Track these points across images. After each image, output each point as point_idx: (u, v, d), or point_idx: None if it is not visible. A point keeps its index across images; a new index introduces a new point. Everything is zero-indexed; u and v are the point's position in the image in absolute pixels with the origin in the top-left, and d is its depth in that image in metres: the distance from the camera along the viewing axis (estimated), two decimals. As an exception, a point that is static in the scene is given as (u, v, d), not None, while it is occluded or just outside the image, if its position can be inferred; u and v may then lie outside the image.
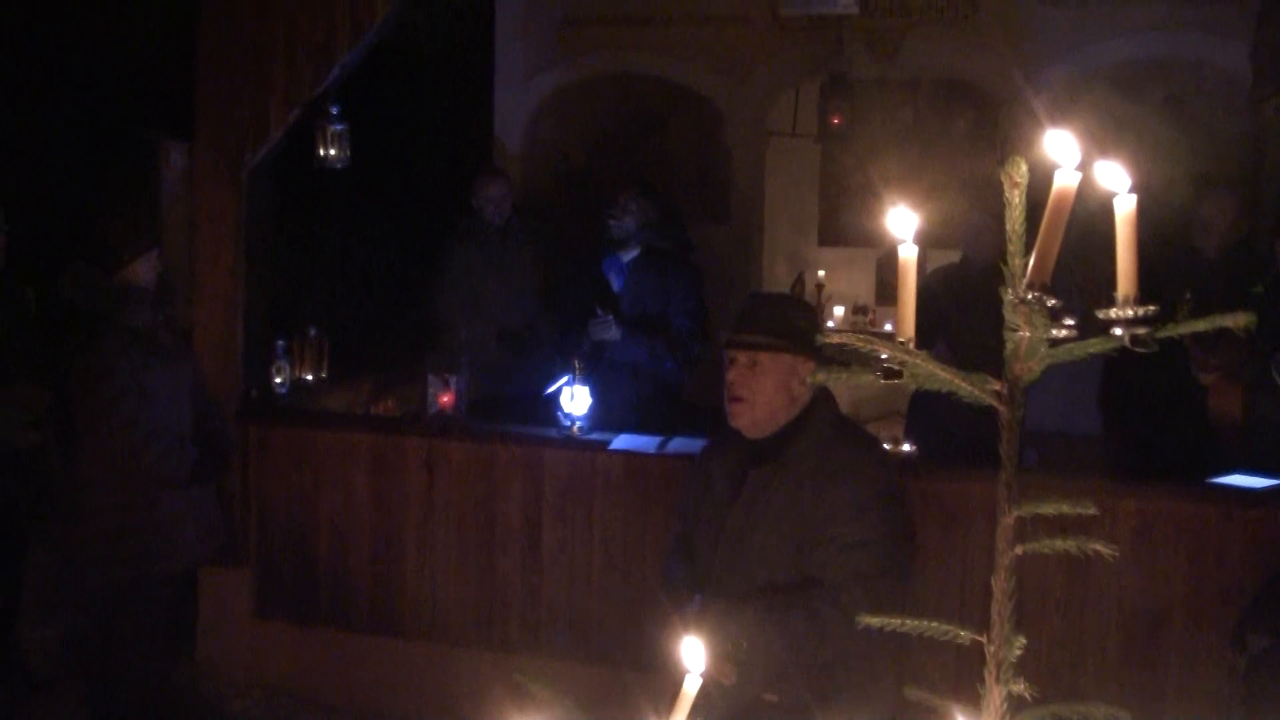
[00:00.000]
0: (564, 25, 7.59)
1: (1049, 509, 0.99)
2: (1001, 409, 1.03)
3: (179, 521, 4.16)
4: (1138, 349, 1.01)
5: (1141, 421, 4.33)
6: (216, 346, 4.72)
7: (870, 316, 8.47)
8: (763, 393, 2.84)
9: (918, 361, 1.01)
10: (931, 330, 4.69)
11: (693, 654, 1.13)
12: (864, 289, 8.68)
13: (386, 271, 6.01)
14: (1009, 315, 0.98)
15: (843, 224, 8.75)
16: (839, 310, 8.02)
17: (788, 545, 2.80)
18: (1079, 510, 0.96)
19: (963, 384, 1.01)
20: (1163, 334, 1.02)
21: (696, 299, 5.23)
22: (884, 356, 1.06)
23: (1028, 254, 0.96)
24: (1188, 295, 3.37)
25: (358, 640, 4.59)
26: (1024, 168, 1.02)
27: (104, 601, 4.26)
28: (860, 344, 1.04)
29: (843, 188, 8.71)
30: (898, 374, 1.05)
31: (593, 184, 7.62)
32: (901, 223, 1.09)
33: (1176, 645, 3.52)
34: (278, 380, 4.93)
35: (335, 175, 5.06)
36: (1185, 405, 4.06)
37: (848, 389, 3.42)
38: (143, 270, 4.03)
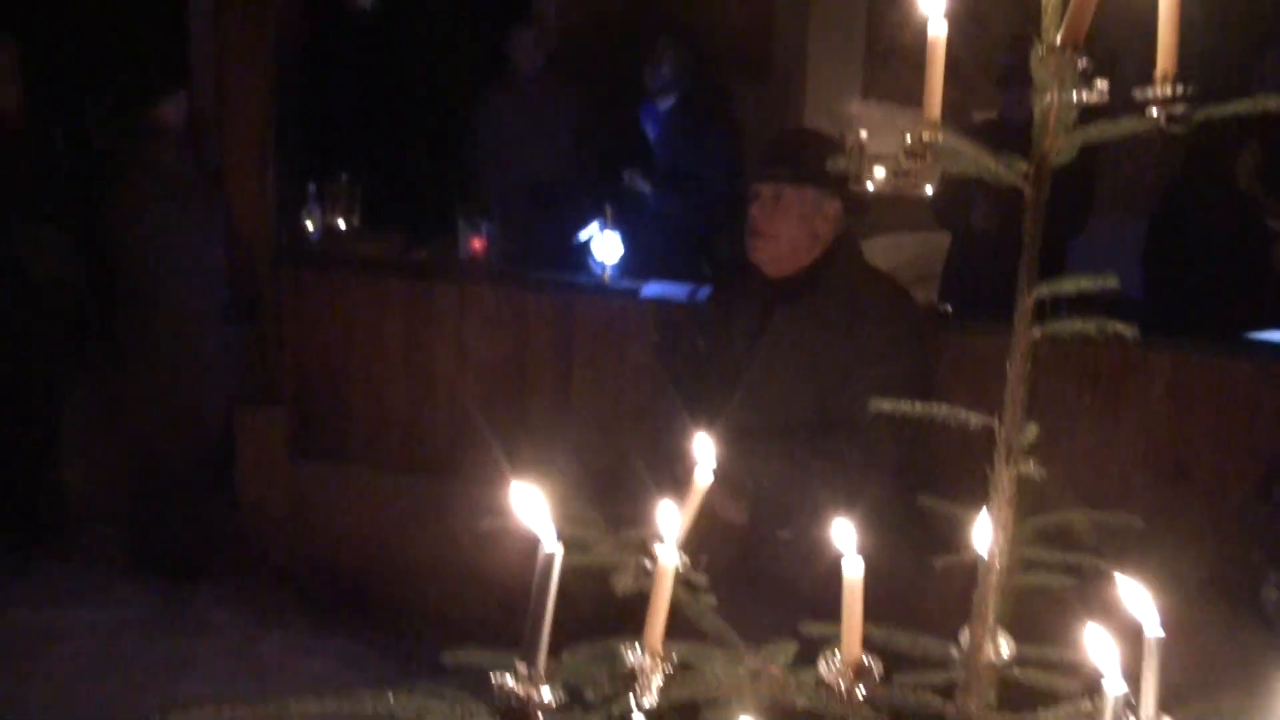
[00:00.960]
0: None
1: (1069, 287, 0.96)
2: (1027, 190, 0.99)
3: (213, 360, 4.24)
4: (1174, 130, 0.96)
5: (1184, 277, 4.24)
6: (246, 190, 4.69)
7: (910, 180, 8.33)
8: (786, 228, 2.79)
9: (943, 140, 0.97)
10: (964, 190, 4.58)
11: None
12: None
13: (419, 120, 5.94)
14: (1037, 74, 0.94)
15: (888, 81, 8.50)
16: (879, 171, 7.85)
17: (811, 386, 2.78)
18: (1101, 285, 0.94)
19: (987, 161, 0.98)
20: (1201, 116, 0.97)
21: (730, 152, 5.15)
22: (907, 137, 1.02)
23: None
24: (1254, 146, 3.24)
25: (391, 480, 4.68)
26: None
27: (142, 440, 4.37)
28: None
29: (890, 44, 8.44)
30: (921, 155, 1.02)
31: (629, 32, 7.41)
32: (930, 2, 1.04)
33: (1201, 496, 3.51)
34: (309, 226, 4.92)
35: (366, 19, 4.95)
36: (1231, 258, 3.96)
37: (880, 259, 3.36)
38: (171, 111, 4.02)
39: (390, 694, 0.85)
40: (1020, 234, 1.16)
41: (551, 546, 0.83)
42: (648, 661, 1.00)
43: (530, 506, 0.86)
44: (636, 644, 1.02)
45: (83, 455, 5.14)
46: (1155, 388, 3.54)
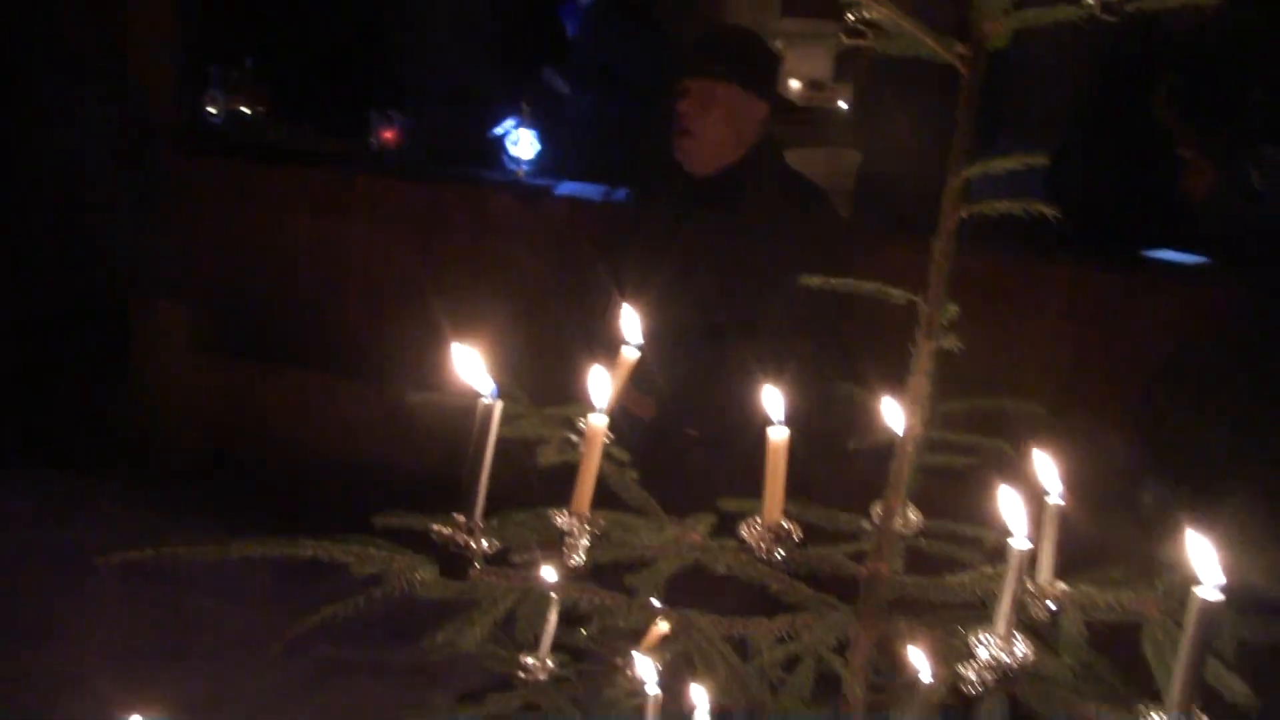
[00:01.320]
0: None
1: (997, 166, 0.99)
2: (964, 71, 1.01)
3: (111, 250, 4.11)
4: (1106, 18, 0.99)
5: (1090, 190, 4.36)
6: (147, 71, 4.51)
7: (828, 93, 8.32)
8: (713, 126, 2.78)
9: (885, 14, 0.98)
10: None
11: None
12: (823, 64, 8.48)
13: (330, 7, 5.75)
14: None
15: (805, -7, 8.46)
16: (794, 84, 7.86)
17: (728, 287, 2.80)
18: (1034, 161, 0.97)
19: (927, 40, 1.00)
20: (1133, 6, 1.00)
21: (651, 51, 5.08)
22: (848, 14, 1.03)
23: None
24: (1171, 76, 3.31)
25: (295, 375, 4.62)
26: None
27: (38, 331, 4.24)
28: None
29: (809, -46, 8.38)
30: (862, 34, 1.03)
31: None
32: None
33: (1092, 401, 3.65)
34: (212, 110, 4.76)
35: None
36: (1138, 176, 4.08)
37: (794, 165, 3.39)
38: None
39: (329, 543, 0.86)
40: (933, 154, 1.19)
41: (491, 399, 0.84)
42: (575, 525, 1.02)
43: (468, 364, 0.87)
44: (564, 509, 1.05)
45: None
46: (1053, 302, 3.66)
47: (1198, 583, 0.79)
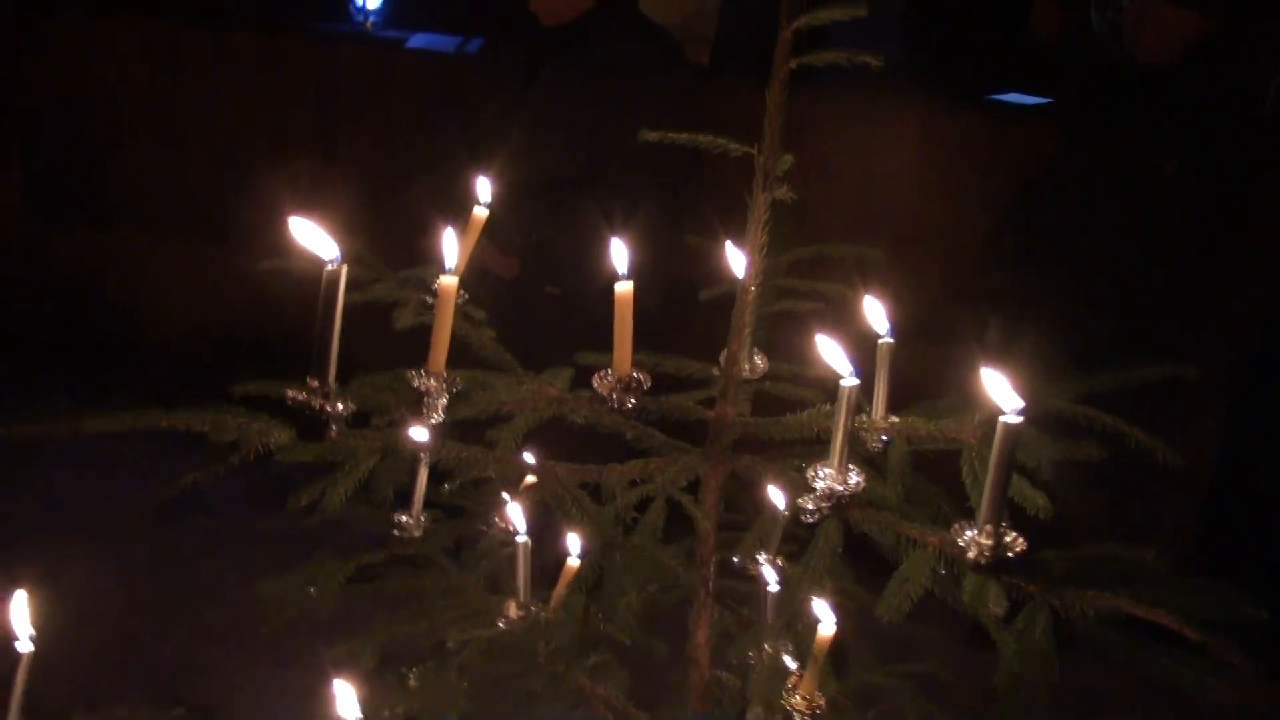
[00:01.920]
0: None
1: (823, 17, 1.01)
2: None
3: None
4: None
5: (938, 30, 4.43)
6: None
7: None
8: None
9: None
10: None
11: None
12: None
13: None
14: None
15: None
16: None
17: (580, 137, 2.78)
18: (854, 13, 0.99)
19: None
20: None
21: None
22: None
23: None
24: None
25: (139, 241, 4.45)
26: None
27: None
28: None
29: None
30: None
31: None
32: None
33: (938, 247, 3.79)
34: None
35: None
36: (988, 16, 4.15)
37: (654, 7, 3.32)
38: None
39: (184, 413, 0.87)
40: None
41: (335, 263, 0.86)
42: (433, 384, 1.05)
43: (309, 230, 0.88)
44: (421, 370, 1.07)
45: None
46: (903, 143, 3.74)
47: (1002, 411, 0.87)
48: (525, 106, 2.83)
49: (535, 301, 2.86)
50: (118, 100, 4.37)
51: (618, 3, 2.82)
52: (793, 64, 1.05)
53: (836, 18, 0.98)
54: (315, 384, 0.88)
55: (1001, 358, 0.94)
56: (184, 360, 4.19)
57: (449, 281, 1.03)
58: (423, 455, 1.10)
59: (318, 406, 0.87)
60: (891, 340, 1.14)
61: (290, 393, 0.88)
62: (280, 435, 0.93)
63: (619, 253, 1.06)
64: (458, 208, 2.40)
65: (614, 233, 1.13)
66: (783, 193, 1.08)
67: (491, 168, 2.83)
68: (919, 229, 3.80)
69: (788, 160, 1.10)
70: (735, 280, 1.28)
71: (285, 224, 0.96)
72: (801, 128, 1.28)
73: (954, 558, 0.93)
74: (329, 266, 0.86)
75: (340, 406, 0.89)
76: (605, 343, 1.21)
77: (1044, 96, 4.01)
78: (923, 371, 1.70)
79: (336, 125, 4.22)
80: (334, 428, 0.89)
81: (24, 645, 0.99)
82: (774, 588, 1.36)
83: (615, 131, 2.71)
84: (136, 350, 4.34)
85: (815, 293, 1.41)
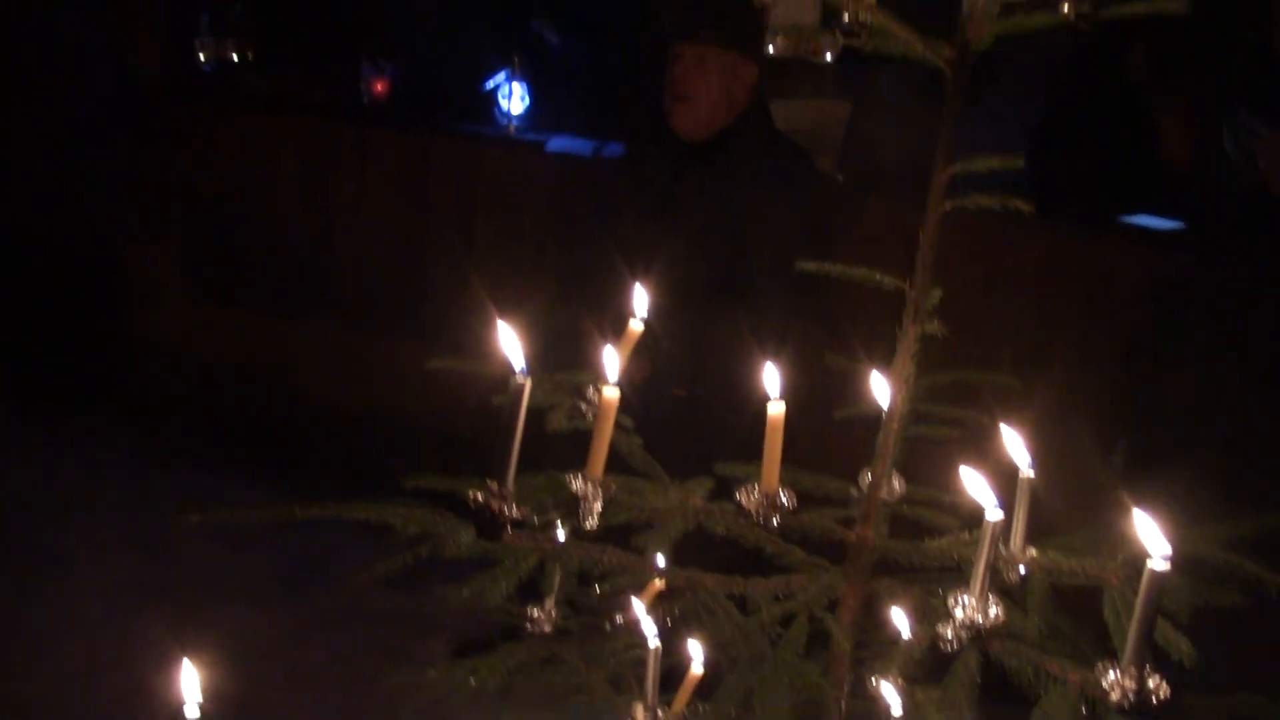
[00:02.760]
0: None
1: (981, 165, 1.07)
2: (948, 72, 1.09)
3: (100, 189, 4.13)
4: (1081, 26, 1.07)
5: (1072, 156, 4.43)
6: (138, 18, 4.51)
7: (811, 46, 8.34)
8: (706, 92, 2.84)
9: (876, 19, 1.06)
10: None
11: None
12: (809, 16, 8.49)
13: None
14: (967, -27, 1.03)
15: (794, -57, 8.44)
16: (779, 34, 7.83)
17: (716, 249, 2.87)
18: (1010, 164, 1.05)
19: (916, 44, 1.07)
20: (1107, 14, 1.08)
21: (639, 5, 5.11)
22: (844, 18, 1.10)
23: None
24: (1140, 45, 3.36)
25: (287, 322, 4.67)
26: None
27: (30, 277, 4.26)
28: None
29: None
30: (856, 35, 1.11)
31: None
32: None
33: (1066, 366, 3.76)
34: (202, 57, 4.77)
35: None
36: (1119, 141, 4.15)
37: (782, 117, 3.44)
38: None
39: (380, 505, 0.94)
40: (922, 109, 1.26)
41: (523, 376, 0.93)
42: (590, 489, 1.11)
43: (506, 340, 0.95)
44: (579, 474, 1.13)
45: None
46: (1031, 267, 3.75)
47: (1150, 554, 0.89)
48: (663, 216, 2.93)
49: (661, 403, 2.93)
50: (271, 188, 4.64)
51: (754, 117, 2.92)
52: (947, 205, 1.10)
53: (994, 167, 1.03)
54: (495, 487, 0.94)
55: (1130, 485, 0.95)
56: (317, 436, 4.36)
57: (611, 395, 1.09)
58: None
59: (496, 509, 0.94)
60: (1032, 474, 1.16)
61: (472, 494, 0.95)
62: (465, 535, 0.99)
63: (771, 374, 1.12)
64: (601, 313, 2.49)
65: (748, 342, 1.18)
66: (934, 327, 1.12)
67: (630, 274, 2.93)
68: (1049, 350, 3.78)
69: (938, 294, 1.15)
70: (876, 405, 1.32)
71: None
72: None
73: (1096, 699, 0.95)
74: (516, 379, 0.93)
75: (516, 510, 0.95)
76: (731, 449, 1.25)
77: (1176, 220, 3.97)
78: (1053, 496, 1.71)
79: (474, 220, 4.41)
80: (509, 529, 0.96)
81: (191, 712, 1.05)
82: (896, 712, 1.36)
83: (750, 243, 2.80)
84: (274, 425, 4.52)
85: (953, 419, 1.43)
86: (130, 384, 4.64)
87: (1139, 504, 0.93)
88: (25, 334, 4.38)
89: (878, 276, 1.13)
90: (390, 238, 4.52)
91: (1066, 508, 1.36)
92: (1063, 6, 1.05)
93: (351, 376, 4.65)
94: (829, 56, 8.50)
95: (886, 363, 1.31)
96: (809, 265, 1.18)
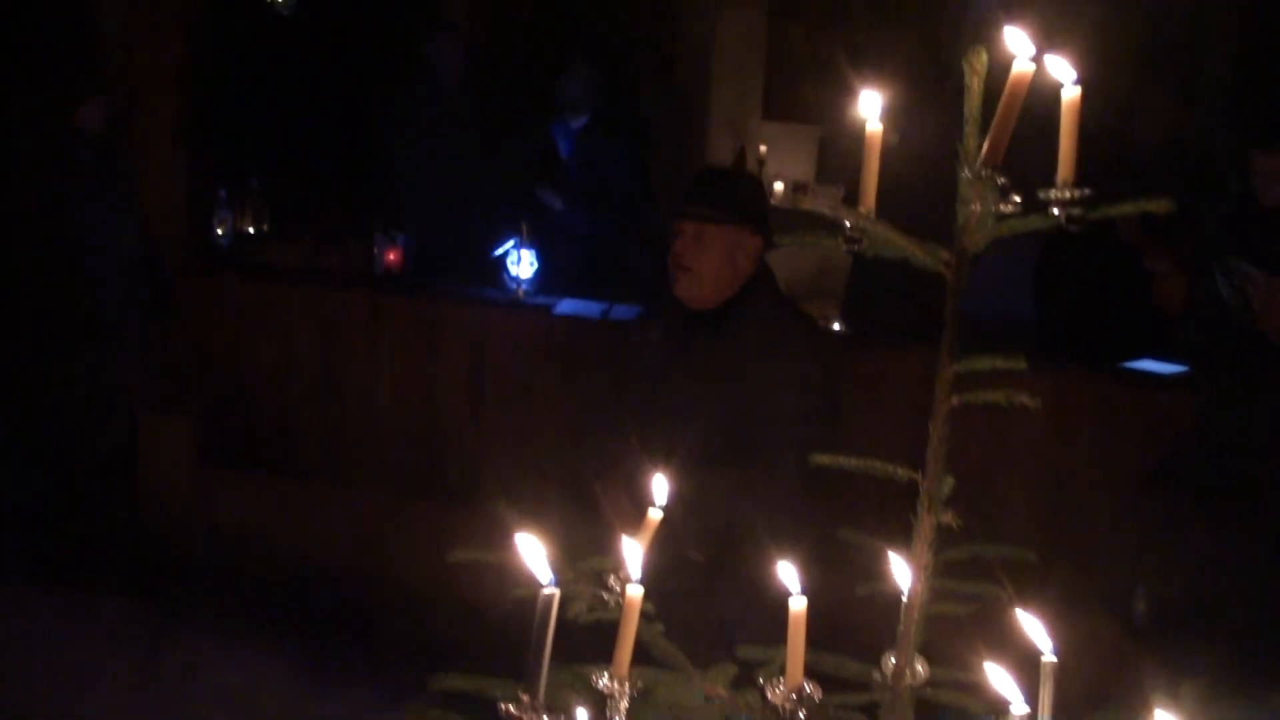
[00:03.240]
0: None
1: (983, 365, 1.12)
2: (949, 276, 1.15)
3: (123, 366, 4.22)
4: (1072, 228, 1.13)
5: (1071, 306, 4.52)
6: (158, 195, 4.68)
7: (810, 195, 8.56)
8: (708, 264, 2.94)
9: (878, 229, 1.12)
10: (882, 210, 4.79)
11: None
12: (804, 165, 8.76)
13: (331, 124, 5.96)
14: (963, 189, 1.10)
15: (787, 99, 8.76)
16: (778, 186, 8.03)
17: (724, 415, 2.91)
18: (1011, 366, 1.09)
19: (916, 250, 1.13)
20: (1095, 215, 1.14)
21: (639, 167, 5.31)
22: (847, 225, 1.17)
23: (982, 136, 1.07)
24: (1126, 184, 3.50)
25: (299, 488, 4.70)
26: (984, 57, 1.12)
27: (45, 448, 4.31)
28: (828, 211, 1.15)
29: (789, 61, 8.70)
30: (858, 241, 1.17)
31: (538, 46, 7.52)
32: (869, 102, 1.19)
33: (1080, 514, 3.77)
34: (219, 231, 4.92)
35: (280, 24, 4.97)
36: (1115, 291, 4.24)
37: (781, 270, 3.56)
38: (88, 115, 4.00)
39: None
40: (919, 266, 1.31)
41: (551, 588, 0.96)
42: (616, 687, 1.13)
43: (530, 552, 0.98)
44: (604, 671, 1.15)
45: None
46: (1039, 411, 3.79)
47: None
48: (672, 382, 2.99)
49: (676, 565, 2.94)
50: (288, 356, 4.72)
51: (761, 284, 3.00)
52: (955, 400, 1.14)
53: (998, 367, 1.08)
54: (527, 699, 0.96)
55: (1150, 637, 0.96)
56: (335, 602, 4.34)
57: (635, 594, 1.12)
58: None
59: (529, 722, 0.95)
60: (1055, 659, 1.18)
61: (504, 707, 0.97)
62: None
63: (789, 570, 1.14)
64: (614, 485, 2.51)
65: (758, 506, 1.20)
66: (950, 518, 1.15)
67: (637, 439, 2.98)
68: (1060, 495, 3.79)
69: (950, 483, 1.18)
70: (895, 584, 1.34)
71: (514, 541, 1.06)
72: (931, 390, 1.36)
73: None
74: (544, 591, 0.96)
75: (548, 721, 0.97)
76: (749, 611, 1.25)
77: (1179, 364, 4.03)
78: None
79: (483, 381, 4.48)
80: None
81: None
82: None
83: (757, 411, 2.85)
84: (291, 593, 4.50)
85: (972, 595, 1.45)
86: (140, 553, 4.64)
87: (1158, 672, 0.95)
88: (37, 505, 4.40)
89: (890, 468, 1.16)
90: (402, 401, 4.59)
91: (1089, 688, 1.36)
92: (1054, 211, 1.12)
93: (366, 541, 4.65)
94: (826, 210, 8.68)
95: (898, 529, 1.34)
96: (823, 459, 1.21)
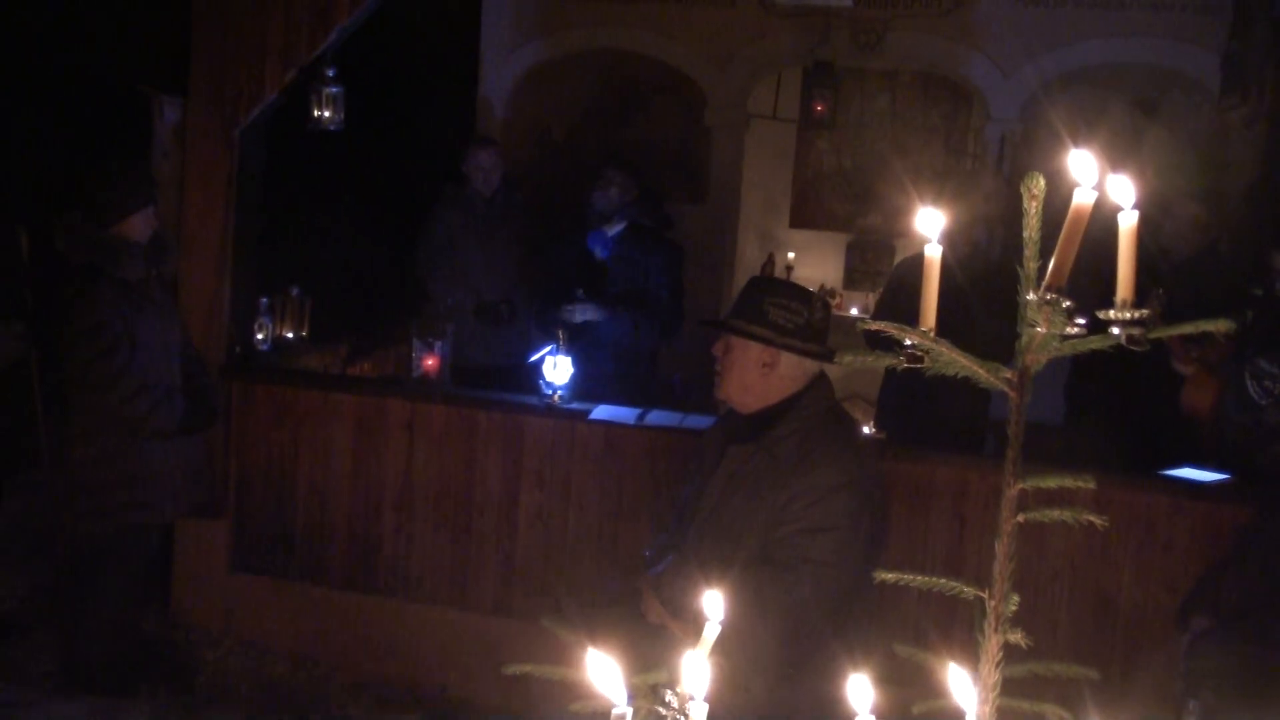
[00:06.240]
0: (552, -3, 7.66)
1: (1051, 483, 1.13)
2: (1012, 395, 1.16)
3: (164, 474, 4.24)
4: (1133, 347, 1.15)
5: (1104, 412, 4.51)
6: (203, 302, 4.77)
7: (837, 301, 8.65)
8: (733, 371, 3.01)
9: (940, 349, 1.14)
10: (910, 316, 4.84)
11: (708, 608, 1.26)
12: (832, 272, 8.86)
13: (372, 235, 6.09)
14: (1030, 313, 1.12)
15: (815, 208, 8.92)
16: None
17: (755, 522, 2.91)
18: (1079, 485, 1.10)
19: (979, 370, 1.15)
20: (1154, 335, 1.16)
21: (676, 274, 5.38)
22: (908, 343, 1.19)
23: (1044, 258, 1.10)
24: (1160, 291, 3.52)
25: (332, 596, 4.69)
26: (1041, 182, 1.15)
27: (81, 552, 4.32)
28: (894, 332, 1.17)
29: (817, 172, 8.87)
30: (919, 359, 1.19)
31: (573, 158, 7.70)
32: (929, 222, 1.22)
33: (1123, 626, 3.71)
34: (260, 337, 5.01)
35: (326, 137, 5.12)
36: (1147, 398, 4.23)
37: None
38: (138, 225, 4.09)
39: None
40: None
41: (622, 710, 0.96)
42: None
43: (603, 675, 0.99)
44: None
45: (15, 562, 5.06)
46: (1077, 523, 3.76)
47: None
48: (710, 484, 3.00)
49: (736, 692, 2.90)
50: (325, 461, 4.74)
51: (811, 393, 2.99)
52: (1020, 518, 1.15)
53: (1066, 486, 1.08)
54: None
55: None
56: (367, 711, 4.29)
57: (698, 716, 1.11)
58: None
59: None
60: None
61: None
62: None
63: (862, 691, 1.13)
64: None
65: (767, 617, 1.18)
66: (1016, 637, 1.15)
67: (673, 545, 2.96)
68: (1099, 611, 3.73)
69: (1016, 600, 1.18)
70: (954, 703, 1.33)
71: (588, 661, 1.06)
72: (978, 500, 1.35)
73: None
74: (615, 712, 0.96)
75: None
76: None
77: (1219, 472, 3.99)
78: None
79: (519, 489, 4.48)
80: None
81: None
82: None
83: (785, 516, 2.84)
84: (323, 700, 4.46)
85: (1034, 714, 1.43)
86: (174, 661, 4.62)
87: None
88: (72, 610, 4.40)
89: (955, 586, 1.16)
90: (437, 508, 4.59)
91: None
92: (1114, 331, 1.13)
93: (397, 646, 4.62)
94: (854, 312, 8.77)
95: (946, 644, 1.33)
96: (887, 575, 1.21)
